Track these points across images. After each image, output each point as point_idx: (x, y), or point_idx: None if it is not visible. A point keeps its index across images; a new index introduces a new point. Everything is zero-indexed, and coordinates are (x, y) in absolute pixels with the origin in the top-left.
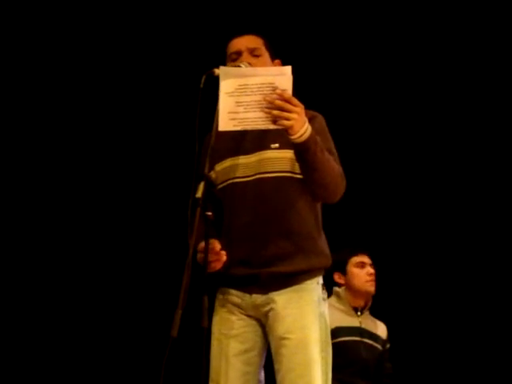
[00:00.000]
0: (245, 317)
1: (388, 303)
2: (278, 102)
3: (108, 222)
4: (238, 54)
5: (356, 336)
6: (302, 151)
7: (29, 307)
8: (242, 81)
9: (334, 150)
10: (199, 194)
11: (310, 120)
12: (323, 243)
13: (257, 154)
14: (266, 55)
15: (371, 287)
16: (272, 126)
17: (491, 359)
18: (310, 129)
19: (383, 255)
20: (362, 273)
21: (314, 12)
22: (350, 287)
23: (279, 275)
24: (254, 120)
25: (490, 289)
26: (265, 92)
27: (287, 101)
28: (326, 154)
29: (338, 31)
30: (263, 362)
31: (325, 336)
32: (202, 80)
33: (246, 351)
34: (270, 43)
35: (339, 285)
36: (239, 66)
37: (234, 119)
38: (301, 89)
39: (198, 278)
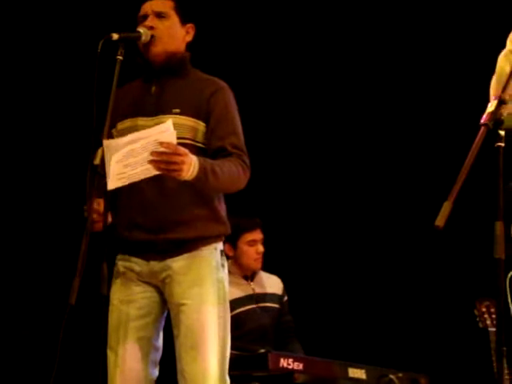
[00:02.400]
0: (142, 283)
1: (282, 256)
2: (165, 156)
3: (5, 188)
4: (145, 17)
5: (251, 304)
6: (195, 184)
7: None
8: (129, 147)
9: (238, 130)
10: (97, 161)
11: (214, 93)
12: (222, 211)
13: (157, 117)
14: (173, 19)
15: (258, 265)
16: (158, 172)
17: (389, 309)
18: (197, 165)
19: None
20: (251, 250)
21: None
22: (237, 261)
23: (176, 241)
24: (142, 171)
25: (381, 237)
26: (150, 148)
27: (174, 152)
28: (219, 169)
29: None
30: (160, 329)
31: (222, 301)
32: (100, 45)
33: (141, 317)
34: (183, 6)
35: (227, 257)
36: (138, 32)
37: (122, 178)
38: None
39: (97, 246)
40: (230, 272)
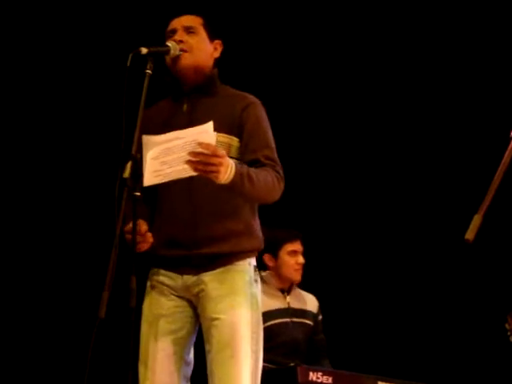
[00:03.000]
0: (175, 297)
1: (319, 275)
2: (202, 157)
3: (33, 201)
4: (173, 32)
5: (285, 317)
6: (230, 188)
7: None
8: (167, 145)
9: (271, 144)
10: (126, 174)
11: (246, 108)
12: (256, 226)
13: None
14: (202, 34)
15: (298, 276)
16: (196, 173)
17: (420, 328)
18: (234, 169)
19: (316, 229)
20: (292, 261)
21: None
22: (277, 272)
23: (210, 256)
24: (179, 171)
25: (410, 262)
26: (188, 149)
27: (212, 154)
28: (255, 176)
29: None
30: (192, 344)
31: (256, 316)
32: (129, 59)
33: (174, 331)
34: (211, 22)
35: (266, 267)
36: (167, 46)
37: (158, 176)
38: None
39: (127, 259)
40: (267, 283)
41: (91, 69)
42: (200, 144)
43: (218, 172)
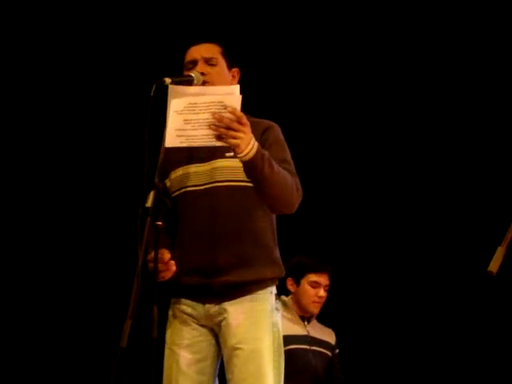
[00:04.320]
0: (198, 326)
1: (336, 310)
2: (226, 121)
3: (57, 230)
4: (194, 63)
5: (304, 344)
6: (250, 168)
7: None
8: (192, 99)
9: (290, 160)
10: (149, 204)
11: (266, 131)
12: (277, 253)
13: (210, 162)
14: (222, 64)
15: (315, 309)
16: (218, 143)
17: (438, 364)
18: (256, 146)
19: (335, 263)
20: (312, 292)
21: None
22: (296, 299)
23: (231, 285)
24: (201, 137)
25: (431, 295)
26: (213, 110)
27: (237, 119)
28: (276, 167)
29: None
30: (217, 371)
31: (277, 345)
32: (153, 89)
33: (199, 361)
34: (228, 51)
35: (288, 292)
36: (190, 76)
37: (181, 136)
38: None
39: (149, 288)
40: (289, 308)
41: (114, 97)
42: (226, 108)
43: (239, 139)
